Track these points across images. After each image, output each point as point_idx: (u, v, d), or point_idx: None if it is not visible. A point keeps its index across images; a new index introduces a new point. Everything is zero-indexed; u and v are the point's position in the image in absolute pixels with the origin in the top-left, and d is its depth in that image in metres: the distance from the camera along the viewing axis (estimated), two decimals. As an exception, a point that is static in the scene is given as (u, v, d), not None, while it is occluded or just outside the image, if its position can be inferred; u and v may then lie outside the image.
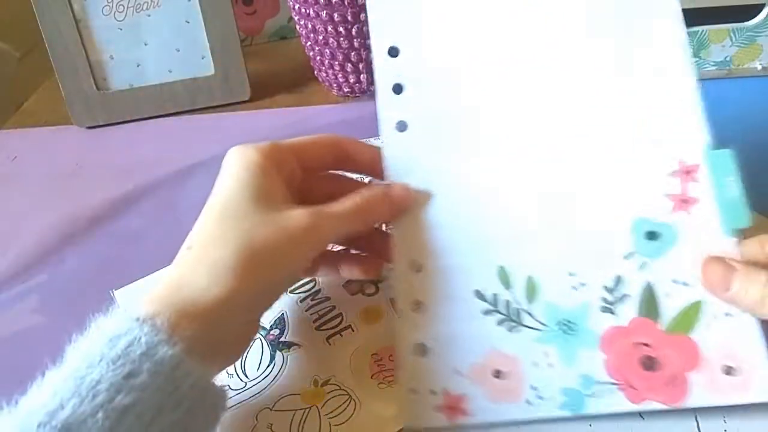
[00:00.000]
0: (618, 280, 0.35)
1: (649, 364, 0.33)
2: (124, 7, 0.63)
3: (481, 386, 0.34)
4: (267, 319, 0.40)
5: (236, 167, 0.34)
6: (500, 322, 0.35)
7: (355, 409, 0.35)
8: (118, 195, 0.56)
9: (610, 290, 0.34)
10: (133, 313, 0.29)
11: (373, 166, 0.38)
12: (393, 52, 0.39)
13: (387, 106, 0.38)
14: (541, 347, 0.34)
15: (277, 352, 0.38)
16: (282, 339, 0.39)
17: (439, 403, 0.34)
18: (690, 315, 0.34)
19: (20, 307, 0.46)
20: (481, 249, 0.36)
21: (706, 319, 0.33)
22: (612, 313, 0.34)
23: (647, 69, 0.37)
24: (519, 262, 0.35)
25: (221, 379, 0.37)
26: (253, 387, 0.36)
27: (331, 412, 0.35)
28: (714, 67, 0.61)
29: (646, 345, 0.34)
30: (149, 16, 0.64)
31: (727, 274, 0.32)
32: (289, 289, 0.42)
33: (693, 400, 0.33)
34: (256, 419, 0.35)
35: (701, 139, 0.36)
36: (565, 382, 0.34)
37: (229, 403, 0.35)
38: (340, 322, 0.39)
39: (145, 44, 0.64)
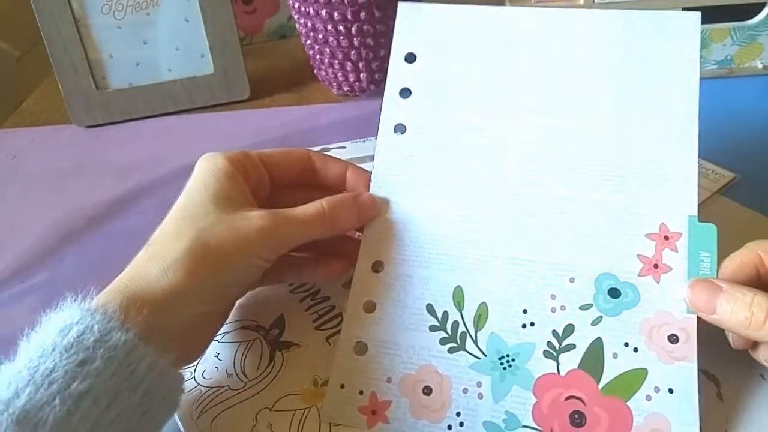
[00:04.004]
0: (568, 329, 0.34)
1: (578, 419, 0.32)
2: (123, 5, 0.63)
3: (407, 398, 0.34)
4: (267, 319, 0.40)
5: (202, 172, 0.35)
6: (443, 341, 0.35)
7: (354, 409, 0.35)
8: (118, 194, 0.56)
9: (557, 336, 0.34)
10: (84, 304, 0.29)
11: (340, 182, 0.39)
12: (410, 58, 0.40)
13: (391, 108, 0.40)
14: (475, 375, 0.34)
15: (277, 351, 0.38)
16: (281, 339, 0.39)
17: (363, 404, 0.34)
18: (631, 381, 0.33)
19: (20, 307, 0.46)
20: (444, 264, 0.36)
21: (647, 390, 0.32)
22: (554, 359, 0.33)
23: (649, 126, 0.37)
24: (477, 286, 0.35)
25: (220, 379, 0.37)
26: (253, 387, 0.36)
27: (331, 412, 0.35)
28: (715, 66, 0.61)
29: (579, 400, 0.33)
30: (148, 14, 0.64)
31: (712, 296, 0.32)
32: (289, 289, 0.42)
33: None
34: (256, 419, 0.35)
35: (689, 208, 0.35)
36: (490, 416, 0.33)
37: (229, 403, 0.36)
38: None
39: (145, 43, 0.64)
